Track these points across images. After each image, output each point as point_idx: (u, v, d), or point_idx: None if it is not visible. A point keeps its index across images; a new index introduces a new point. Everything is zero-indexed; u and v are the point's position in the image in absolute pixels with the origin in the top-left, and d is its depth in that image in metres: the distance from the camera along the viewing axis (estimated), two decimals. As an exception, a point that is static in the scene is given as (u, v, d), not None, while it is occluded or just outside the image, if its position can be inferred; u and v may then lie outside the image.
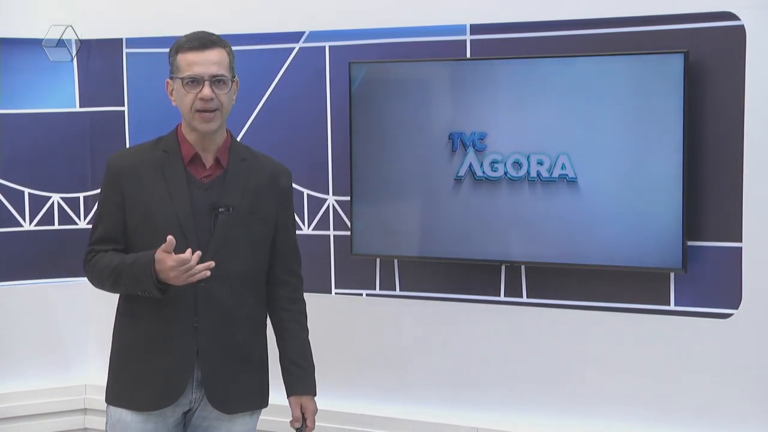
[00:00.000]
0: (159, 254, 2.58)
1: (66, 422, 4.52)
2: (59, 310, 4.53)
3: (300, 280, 2.97)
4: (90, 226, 2.94)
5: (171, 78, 2.76)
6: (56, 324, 4.54)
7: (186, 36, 2.76)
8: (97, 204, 2.87)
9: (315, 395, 2.92)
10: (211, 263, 2.61)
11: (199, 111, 2.70)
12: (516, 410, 3.96)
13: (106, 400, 2.82)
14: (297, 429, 2.90)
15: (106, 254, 2.73)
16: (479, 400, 4.02)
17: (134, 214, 2.73)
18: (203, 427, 2.80)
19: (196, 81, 2.69)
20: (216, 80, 2.70)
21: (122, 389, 2.77)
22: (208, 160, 2.77)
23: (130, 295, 2.76)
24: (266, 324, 2.92)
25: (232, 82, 2.76)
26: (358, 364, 4.22)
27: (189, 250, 2.59)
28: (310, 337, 2.96)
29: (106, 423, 2.82)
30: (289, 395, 2.90)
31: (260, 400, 2.89)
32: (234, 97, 2.80)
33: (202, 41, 2.72)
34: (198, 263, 2.61)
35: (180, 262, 2.56)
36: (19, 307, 4.48)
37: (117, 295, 2.85)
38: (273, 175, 2.86)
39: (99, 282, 2.78)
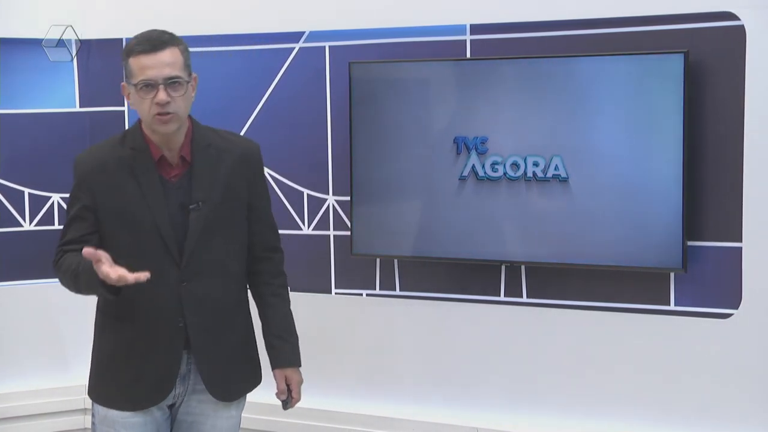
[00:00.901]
0: (94, 265, 2.49)
1: (66, 422, 4.52)
2: (59, 310, 4.52)
3: (281, 253, 2.92)
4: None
5: (126, 82, 2.67)
6: (56, 324, 4.54)
7: (136, 37, 2.64)
8: (67, 205, 2.78)
9: (300, 366, 2.89)
10: (146, 275, 2.51)
11: (157, 114, 2.63)
12: (516, 410, 3.96)
13: (90, 397, 2.80)
14: (283, 401, 2.89)
15: (70, 254, 2.66)
16: (479, 400, 4.02)
17: (108, 217, 2.68)
18: (188, 422, 2.79)
19: (150, 85, 2.60)
20: (171, 82, 2.61)
21: (107, 390, 2.76)
22: (174, 159, 2.72)
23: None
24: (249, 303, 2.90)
25: (189, 81, 2.67)
26: (357, 364, 4.21)
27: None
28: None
29: (93, 416, 2.80)
30: (273, 368, 2.87)
31: (255, 381, 2.89)
32: (193, 95, 2.71)
33: (153, 43, 2.61)
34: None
35: (104, 276, 2.46)
36: (19, 307, 4.47)
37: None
38: (242, 155, 2.80)
39: (65, 284, 2.72)
